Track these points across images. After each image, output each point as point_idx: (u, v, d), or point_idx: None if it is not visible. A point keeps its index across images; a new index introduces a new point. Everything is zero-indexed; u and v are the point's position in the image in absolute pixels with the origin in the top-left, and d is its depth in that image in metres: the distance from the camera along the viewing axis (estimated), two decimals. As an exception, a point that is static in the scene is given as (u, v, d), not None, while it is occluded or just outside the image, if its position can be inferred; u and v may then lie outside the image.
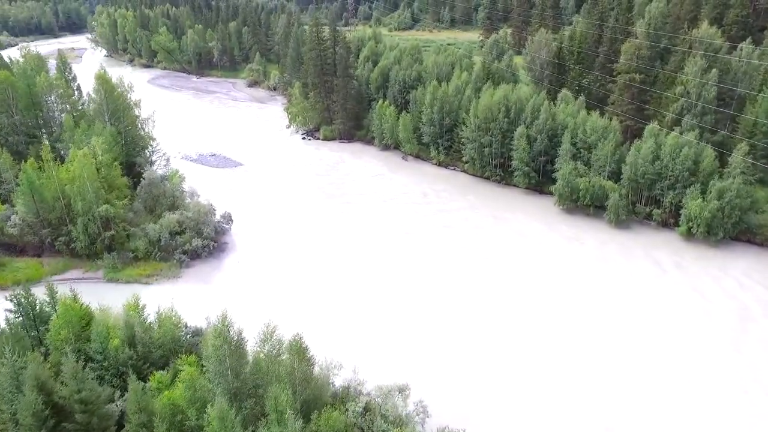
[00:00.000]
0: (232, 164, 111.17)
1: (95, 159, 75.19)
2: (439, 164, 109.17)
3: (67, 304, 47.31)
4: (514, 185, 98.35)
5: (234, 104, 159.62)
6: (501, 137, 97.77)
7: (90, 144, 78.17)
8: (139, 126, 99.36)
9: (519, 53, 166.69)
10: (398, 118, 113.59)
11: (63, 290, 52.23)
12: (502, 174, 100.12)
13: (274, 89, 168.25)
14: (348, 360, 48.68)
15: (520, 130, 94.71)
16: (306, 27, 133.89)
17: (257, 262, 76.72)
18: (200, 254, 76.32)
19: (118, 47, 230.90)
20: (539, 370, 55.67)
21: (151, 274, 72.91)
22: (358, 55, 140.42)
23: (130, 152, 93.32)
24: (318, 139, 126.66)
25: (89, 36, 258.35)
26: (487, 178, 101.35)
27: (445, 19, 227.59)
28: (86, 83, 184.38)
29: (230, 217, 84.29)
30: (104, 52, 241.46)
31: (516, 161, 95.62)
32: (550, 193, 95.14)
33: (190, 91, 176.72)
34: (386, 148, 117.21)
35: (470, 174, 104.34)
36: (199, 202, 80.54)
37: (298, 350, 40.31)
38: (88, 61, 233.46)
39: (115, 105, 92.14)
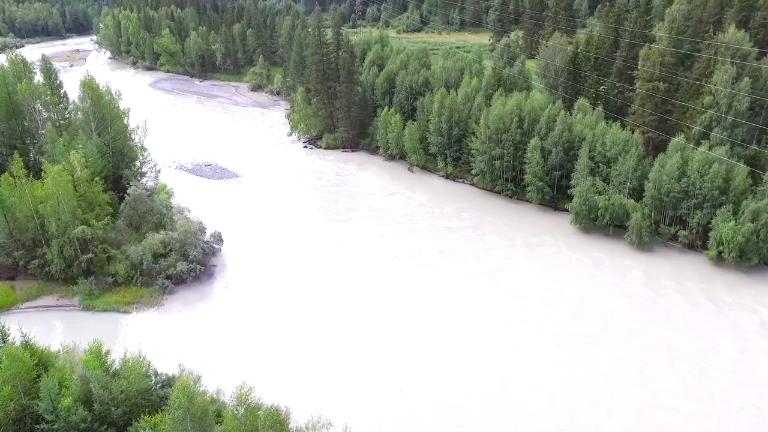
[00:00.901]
0: (229, 175, 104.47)
1: (72, 175, 68.53)
2: (447, 177, 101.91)
3: (13, 353, 40.53)
4: (527, 201, 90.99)
5: (235, 109, 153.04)
6: (513, 149, 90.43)
7: (70, 157, 71.52)
8: (129, 136, 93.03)
9: (531, 57, 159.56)
10: (404, 127, 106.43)
11: (31, 320, 45.57)
12: (514, 189, 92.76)
13: (277, 94, 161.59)
14: (339, 417, 41.81)
15: (534, 142, 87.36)
16: (310, 29, 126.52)
17: (246, 288, 69.94)
18: (185, 279, 69.57)
19: (122, 49, 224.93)
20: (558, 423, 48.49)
21: (131, 302, 66.32)
22: (364, 59, 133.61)
23: (118, 164, 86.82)
24: (320, 147, 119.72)
25: (93, 38, 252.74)
26: (498, 193, 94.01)
27: (454, 21, 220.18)
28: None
29: (220, 236, 77.56)
30: (108, 54, 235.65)
31: (529, 175, 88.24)
32: (565, 210, 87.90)
33: (192, 95, 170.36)
34: (391, 158, 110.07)
35: (480, 188, 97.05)
36: (186, 221, 73.78)
37: (275, 423, 33.35)
38: (91, 63, 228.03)
39: (102, 114, 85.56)
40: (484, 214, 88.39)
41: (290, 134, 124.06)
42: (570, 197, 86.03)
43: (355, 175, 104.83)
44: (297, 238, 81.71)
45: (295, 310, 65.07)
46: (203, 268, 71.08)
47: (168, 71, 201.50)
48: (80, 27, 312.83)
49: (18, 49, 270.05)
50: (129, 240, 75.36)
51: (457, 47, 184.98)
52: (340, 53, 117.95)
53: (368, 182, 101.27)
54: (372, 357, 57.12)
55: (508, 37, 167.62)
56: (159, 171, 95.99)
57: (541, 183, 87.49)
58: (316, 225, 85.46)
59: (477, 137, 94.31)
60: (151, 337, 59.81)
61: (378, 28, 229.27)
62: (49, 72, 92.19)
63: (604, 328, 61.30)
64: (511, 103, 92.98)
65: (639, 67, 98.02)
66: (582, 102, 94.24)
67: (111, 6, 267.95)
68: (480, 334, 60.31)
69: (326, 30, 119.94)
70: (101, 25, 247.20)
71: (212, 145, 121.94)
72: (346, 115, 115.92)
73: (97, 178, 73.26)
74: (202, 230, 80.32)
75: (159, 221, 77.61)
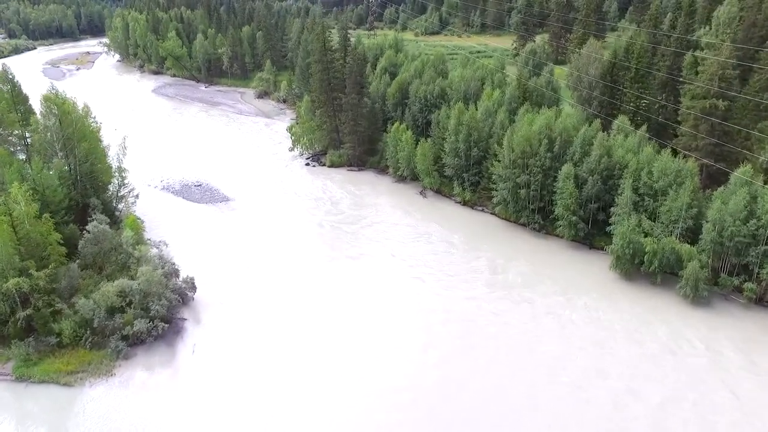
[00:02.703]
0: (219, 198, 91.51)
1: (11, 214, 55.96)
2: (464, 203, 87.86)
3: None
4: (556, 235, 76.75)
5: (238, 118, 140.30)
6: (542, 176, 76.21)
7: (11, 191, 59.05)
8: (105, 155, 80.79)
9: (557, 62, 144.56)
10: (416, 146, 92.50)
11: None
12: (542, 222, 78.46)
13: (284, 102, 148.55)
14: None
15: (567, 169, 73.10)
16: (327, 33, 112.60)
17: (219, 351, 56.78)
18: (145, 340, 56.66)
19: (129, 52, 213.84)
20: None
21: (76, 370, 53.55)
22: (376, 66, 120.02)
23: (86, 191, 74.38)
24: (324, 165, 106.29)
25: (102, 40, 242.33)
26: (523, 226, 79.78)
27: (475, 23, 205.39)
28: (91, 93, 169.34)
29: (193, 283, 64.47)
30: (117, 57, 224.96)
31: (560, 208, 73.91)
32: (602, 248, 73.61)
33: (195, 102, 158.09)
34: (402, 179, 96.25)
35: (501, 218, 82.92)
36: (149, 269, 60.23)
37: None
38: (99, 66, 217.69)
39: (69, 133, 73.15)
40: (506, 254, 74.18)
41: (292, 149, 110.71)
42: (608, 234, 71.77)
43: (361, 199, 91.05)
44: (287, 281, 68.38)
45: (280, 382, 51.84)
46: (167, 325, 57.98)
47: (174, 75, 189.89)
48: (95, 29, 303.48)
49: (29, 51, 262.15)
50: (88, 285, 62.80)
51: (478, 51, 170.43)
52: (347, 60, 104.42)
53: (375, 209, 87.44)
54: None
55: (533, 41, 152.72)
56: (137, 196, 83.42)
57: (574, 217, 73.09)
58: (311, 265, 71.93)
59: (499, 161, 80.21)
60: (94, 422, 47.26)
61: (395, 30, 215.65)
62: (11, 84, 79.87)
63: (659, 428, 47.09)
64: (539, 121, 78.71)
65: (685, 78, 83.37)
66: (622, 121, 79.44)
67: (124, 8, 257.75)
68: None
69: (332, 33, 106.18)
70: (111, 26, 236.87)
71: (207, 160, 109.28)
72: (352, 130, 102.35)
73: (47, 214, 60.55)
74: (176, 272, 67.65)
75: (124, 262, 64.86)
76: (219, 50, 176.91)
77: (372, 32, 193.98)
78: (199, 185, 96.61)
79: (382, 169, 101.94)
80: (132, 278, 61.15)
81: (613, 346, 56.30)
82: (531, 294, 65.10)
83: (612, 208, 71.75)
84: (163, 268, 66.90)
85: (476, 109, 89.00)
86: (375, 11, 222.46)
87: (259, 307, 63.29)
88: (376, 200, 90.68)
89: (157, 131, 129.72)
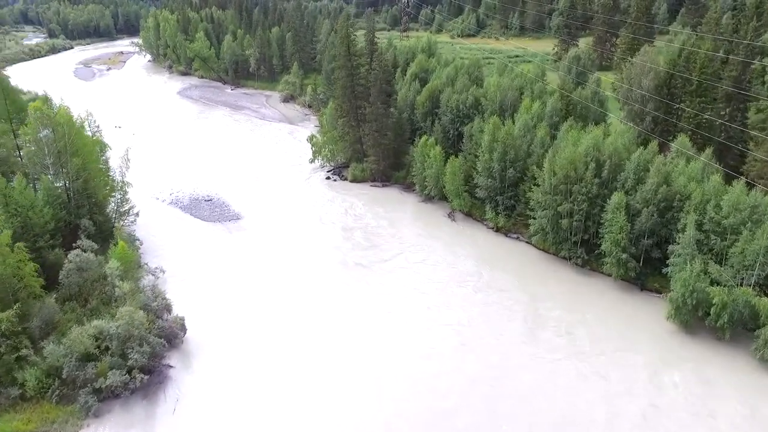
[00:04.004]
0: (228, 216, 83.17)
1: (-27, 245, 48.40)
2: (497, 230, 77.57)
3: None
4: (602, 273, 66.00)
5: (261, 124, 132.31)
6: (587, 205, 65.50)
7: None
8: (103, 170, 73.45)
9: (601, 68, 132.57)
10: (445, 162, 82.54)
11: None
12: (585, 256, 67.71)
13: (309, 107, 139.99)
14: None
15: (618, 198, 62.32)
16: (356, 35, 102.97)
17: (208, 409, 48.09)
18: (120, 394, 48.36)
19: (159, 52, 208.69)
20: None
21: (37, 430, 45.51)
22: (406, 71, 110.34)
23: (79, 210, 66.77)
24: (345, 179, 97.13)
25: (133, 40, 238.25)
26: (564, 259, 69.17)
27: (513, 26, 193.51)
28: (116, 94, 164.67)
29: (183, 324, 56.04)
30: (149, 57, 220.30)
31: (608, 242, 63.11)
32: (657, 291, 62.79)
33: (219, 105, 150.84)
34: (429, 199, 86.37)
35: (539, 248, 72.42)
36: (130, 310, 51.58)
37: None
38: (130, 67, 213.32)
39: (61, 146, 65.61)
40: (544, 294, 63.75)
41: (312, 161, 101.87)
42: (664, 276, 60.89)
43: (382, 223, 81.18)
44: (293, 320, 59.38)
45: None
46: (146, 377, 49.55)
47: (202, 77, 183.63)
48: (131, 28, 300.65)
49: (66, 51, 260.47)
50: (69, 321, 55.04)
51: (516, 56, 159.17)
52: (372, 66, 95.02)
53: (397, 237, 77.41)
54: None
55: (577, 46, 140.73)
56: (137, 214, 75.76)
57: (624, 255, 62.19)
58: (321, 301, 62.68)
59: (538, 185, 69.78)
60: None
61: (430, 32, 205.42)
62: (5, 90, 72.87)
63: None
64: (586, 141, 67.98)
65: (754, 91, 71.70)
66: (682, 142, 68.05)
67: (159, 7, 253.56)
68: None
69: (360, 36, 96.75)
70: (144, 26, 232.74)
71: (222, 170, 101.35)
72: (376, 142, 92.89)
73: (20, 243, 52.78)
74: (167, 308, 59.45)
75: (111, 296, 56.83)
76: (246, 52, 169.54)
77: (405, 34, 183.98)
78: (210, 200, 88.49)
79: (408, 186, 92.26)
80: (114, 316, 53.05)
81: (672, 423, 45.59)
82: (574, 348, 54.64)
83: (670, 246, 60.74)
84: (155, 301, 59.16)
85: (513, 123, 78.62)
86: (409, 12, 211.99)
87: (257, 353, 54.42)
88: (399, 224, 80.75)
89: (175, 137, 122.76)
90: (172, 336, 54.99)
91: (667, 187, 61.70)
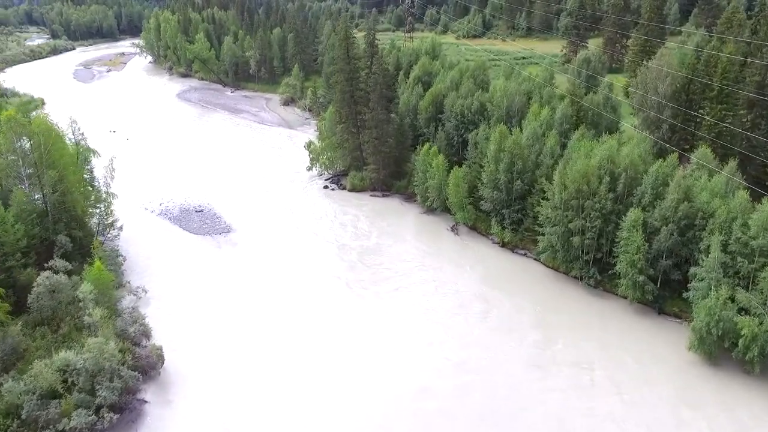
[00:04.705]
0: (219, 229, 78.37)
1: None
2: (503, 245, 72.39)
3: None
4: (616, 294, 60.80)
5: (260, 129, 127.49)
6: (601, 221, 60.28)
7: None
8: (84, 182, 68.92)
9: (611, 71, 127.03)
10: (448, 172, 77.46)
11: None
12: (599, 276, 62.46)
13: (310, 111, 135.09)
14: None
15: (634, 215, 57.10)
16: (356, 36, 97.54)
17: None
18: (86, 437, 43.67)
19: (160, 53, 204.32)
20: None
21: (-8, 479, 40.95)
22: (409, 74, 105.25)
23: (56, 226, 62.15)
24: (344, 188, 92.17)
25: (134, 42, 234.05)
26: (576, 279, 63.96)
27: (520, 26, 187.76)
28: (113, 97, 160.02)
29: (161, 354, 51.21)
30: (150, 58, 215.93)
31: (623, 263, 57.85)
32: (676, 315, 57.64)
33: (217, 109, 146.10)
34: (431, 210, 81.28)
35: (548, 266, 67.25)
36: (99, 342, 46.61)
37: None
38: (130, 68, 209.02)
39: (36, 158, 61.03)
40: (554, 319, 58.63)
41: (310, 168, 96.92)
42: (684, 300, 55.67)
43: (382, 236, 76.23)
44: (280, 348, 54.53)
45: None
46: (116, 416, 44.71)
47: (202, 79, 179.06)
48: (134, 29, 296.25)
49: (68, 51, 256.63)
50: (38, 349, 50.51)
51: (522, 57, 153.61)
52: (372, 69, 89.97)
53: (397, 249, 72.54)
54: None
55: (586, 48, 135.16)
56: (121, 228, 71.18)
57: (641, 277, 56.93)
58: (313, 329, 57.73)
59: (548, 199, 64.59)
60: None
61: (435, 33, 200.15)
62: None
63: None
64: (599, 153, 62.74)
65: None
66: (704, 153, 62.64)
67: (162, 8, 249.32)
68: None
69: (354, 37, 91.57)
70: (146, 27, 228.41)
71: (216, 179, 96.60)
72: (376, 150, 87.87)
73: (-17, 265, 48.24)
74: (146, 334, 54.75)
75: (84, 322, 52.06)
76: (246, 53, 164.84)
77: (409, 35, 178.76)
78: (201, 210, 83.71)
79: (409, 196, 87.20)
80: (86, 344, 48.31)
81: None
82: (587, 381, 49.53)
83: (691, 268, 55.51)
84: (132, 326, 54.51)
85: (521, 131, 73.41)
86: (413, 13, 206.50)
87: (242, 385, 49.58)
88: (399, 239, 75.53)
89: (170, 142, 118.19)
90: (148, 367, 50.25)
91: (688, 204, 56.40)
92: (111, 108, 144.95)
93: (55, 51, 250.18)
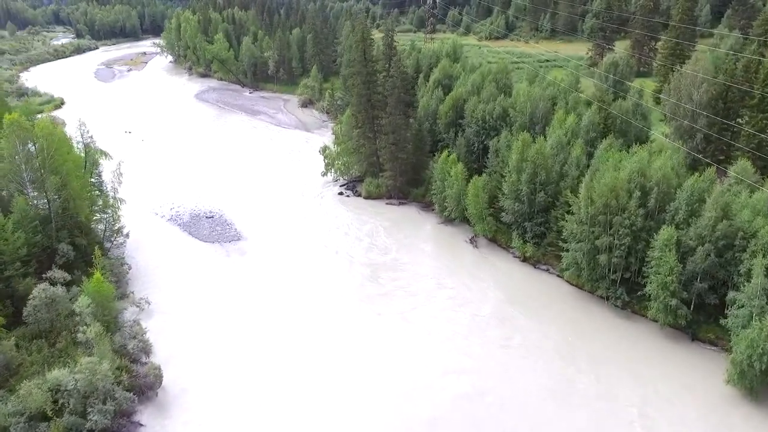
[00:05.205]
0: (229, 237, 75.46)
1: None
2: (524, 259, 68.34)
3: None
4: (645, 317, 56.46)
5: (276, 131, 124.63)
6: (630, 239, 55.96)
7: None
8: (89, 187, 66.51)
9: (638, 75, 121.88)
10: (468, 181, 73.60)
11: None
12: (627, 297, 58.11)
13: (327, 113, 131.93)
14: None
15: (668, 234, 52.69)
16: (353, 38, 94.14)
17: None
18: (75, 465, 40.88)
19: (180, 53, 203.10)
20: None
21: None
22: (429, 77, 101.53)
23: (60, 234, 59.74)
24: (359, 195, 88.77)
25: (155, 41, 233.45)
26: (602, 299, 59.68)
27: (544, 28, 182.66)
28: (131, 97, 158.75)
29: (159, 372, 48.24)
30: (170, 58, 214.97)
31: (654, 285, 53.50)
32: (711, 343, 53.17)
33: (234, 110, 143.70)
34: (449, 220, 77.49)
35: (572, 284, 63.04)
36: (92, 361, 43.86)
37: None
38: (151, 68, 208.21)
39: (39, 163, 58.63)
40: (579, 341, 54.49)
41: (324, 174, 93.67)
42: (721, 326, 51.20)
43: (397, 248, 72.34)
44: (286, 367, 51.29)
45: None
46: (108, 444, 41.97)
47: (221, 79, 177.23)
48: (157, 29, 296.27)
49: (91, 51, 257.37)
50: (32, 364, 47.99)
51: (546, 60, 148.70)
52: (390, 72, 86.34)
53: (413, 264, 68.55)
54: None
55: (612, 50, 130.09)
56: (127, 235, 68.69)
57: (674, 300, 52.53)
58: (321, 349, 54.38)
59: (573, 213, 60.41)
60: None
61: (457, 34, 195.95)
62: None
63: None
64: (629, 165, 58.39)
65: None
66: (744, 167, 57.96)
67: (184, 8, 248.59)
68: None
69: (371, 38, 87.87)
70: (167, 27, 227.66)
71: (228, 183, 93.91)
72: (393, 156, 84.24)
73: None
74: (145, 350, 51.94)
75: (81, 338, 49.27)
76: (265, 54, 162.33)
77: (430, 36, 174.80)
78: (211, 216, 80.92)
79: (427, 204, 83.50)
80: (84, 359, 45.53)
81: None
82: (611, 412, 45.39)
83: (730, 293, 51.01)
84: (132, 341, 51.76)
85: (544, 140, 69.25)
86: (434, 14, 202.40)
87: (244, 406, 46.43)
88: (415, 252, 71.56)
89: (185, 143, 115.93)
90: (145, 387, 47.33)
91: (727, 222, 51.85)
92: (128, 108, 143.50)
93: (78, 50, 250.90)
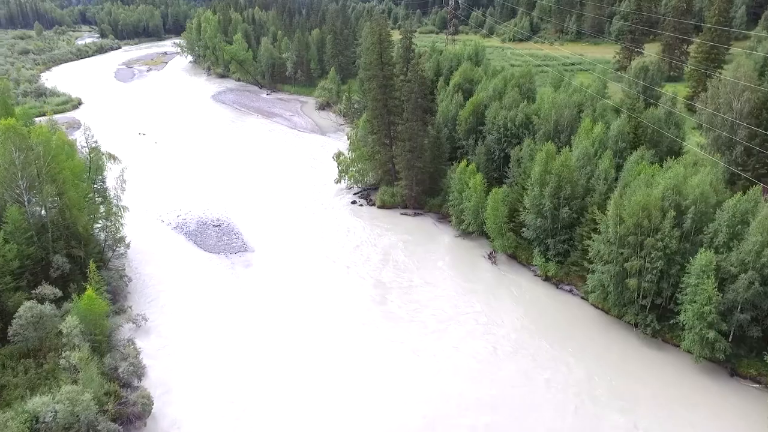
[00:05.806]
0: (236, 247, 71.90)
1: None
2: (546, 278, 63.54)
3: None
4: (678, 347, 51.34)
5: (292, 135, 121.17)
6: (663, 262, 50.93)
7: None
8: (88, 195, 63.44)
9: (669, 79, 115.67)
10: (487, 192, 69.00)
11: None
12: (657, 325, 53.04)
13: (344, 116, 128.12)
14: None
15: (706, 259, 47.52)
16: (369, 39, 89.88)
17: None
18: (51, 505, 37.48)
19: (199, 54, 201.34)
20: None
21: None
22: (449, 81, 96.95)
23: (56, 245, 56.69)
24: (373, 204, 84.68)
25: (175, 41, 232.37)
26: (631, 325, 54.69)
27: (570, 30, 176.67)
28: (156, 94, 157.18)
29: (147, 401, 44.64)
30: (190, 58, 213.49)
31: (689, 313, 48.44)
32: (754, 380, 47.93)
33: (251, 112, 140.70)
34: (467, 233, 72.96)
35: (597, 308, 58.12)
36: (73, 389, 40.40)
37: None
38: (170, 68, 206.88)
39: (33, 171, 55.63)
40: (604, 371, 49.65)
41: (338, 181, 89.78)
42: (765, 362, 46.04)
43: (413, 266, 67.78)
44: (288, 394, 47.42)
45: None
46: (87, 482, 38.50)
47: (239, 80, 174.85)
48: (179, 28, 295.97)
49: (114, 51, 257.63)
50: (17, 386, 44.81)
51: (572, 63, 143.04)
52: (408, 76, 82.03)
53: (428, 283, 64.08)
54: None
55: (641, 54, 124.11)
56: (128, 245, 65.52)
57: (711, 332, 47.43)
58: (325, 375, 50.37)
59: (600, 232, 55.50)
60: None
61: (480, 35, 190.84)
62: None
63: None
64: (663, 181, 53.31)
65: None
66: (790, 185, 52.58)
67: (206, 8, 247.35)
68: None
69: (388, 40, 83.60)
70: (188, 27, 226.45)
71: (239, 188, 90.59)
72: (409, 164, 79.95)
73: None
74: (137, 374, 48.45)
75: (64, 364, 45.86)
76: (283, 55, 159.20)
77: (452, 38, 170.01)
78: (218, 225, 77.52)
79: (443, 215, 79.10)
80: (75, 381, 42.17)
81: None
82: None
83: (776, 326, 45.88)
84: (123, 363, 48.35)
85: (570, 150, 64.27)
86: (457, 15, 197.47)
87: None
88: (432, 268, 66.88)
89: (198, 147, 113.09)
90: (133, 416, 43.81)
91: (772, 248, 46.63)
92: (145, 109, 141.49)
93: (101, 50, 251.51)
